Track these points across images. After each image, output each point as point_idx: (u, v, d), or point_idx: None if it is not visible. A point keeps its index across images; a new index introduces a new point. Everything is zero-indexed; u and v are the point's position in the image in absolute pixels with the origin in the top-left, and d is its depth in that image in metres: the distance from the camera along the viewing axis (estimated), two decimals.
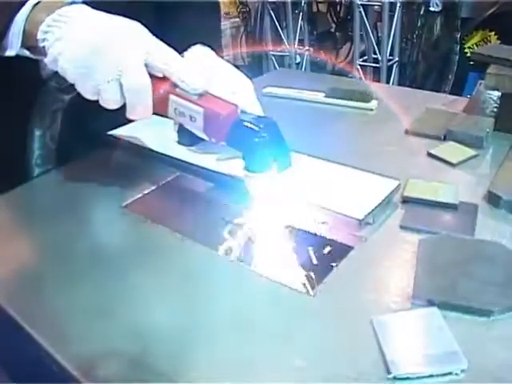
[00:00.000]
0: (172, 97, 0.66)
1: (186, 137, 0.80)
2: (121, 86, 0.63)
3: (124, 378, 0.47)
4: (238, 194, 0.71)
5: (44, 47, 0.64)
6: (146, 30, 0.65)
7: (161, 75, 0.65)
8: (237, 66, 0.78)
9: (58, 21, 0.64)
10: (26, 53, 0.68)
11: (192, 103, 0.65)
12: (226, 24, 3.54)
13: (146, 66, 0.64)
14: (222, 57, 0.82)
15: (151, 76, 0.64)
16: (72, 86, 0.65)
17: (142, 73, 0.64)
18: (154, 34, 0.68)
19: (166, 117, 0.68)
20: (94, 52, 0.62)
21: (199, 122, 0.66)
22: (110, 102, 0.65)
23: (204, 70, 0.68)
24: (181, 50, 0.78)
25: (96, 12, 0.66)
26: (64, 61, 0.63)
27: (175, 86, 0.65)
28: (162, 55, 0.65)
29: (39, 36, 0.64)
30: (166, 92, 0.66)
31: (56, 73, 0.65)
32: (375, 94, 1.04)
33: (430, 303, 0.51)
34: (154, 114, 0.67)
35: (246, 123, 0.66)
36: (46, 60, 0.65)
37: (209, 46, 0.80)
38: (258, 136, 0.64)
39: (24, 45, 0.67)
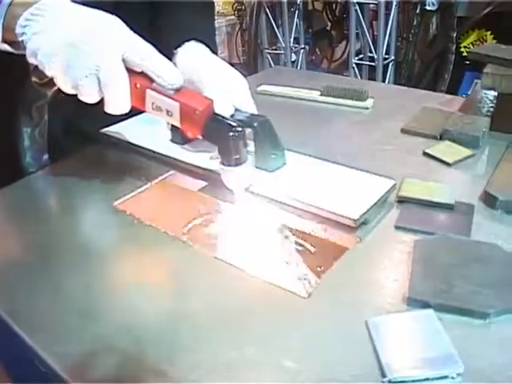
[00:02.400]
0: (149, 91, 0.67)
1: (179, 135, 0.80)
2: (98, 80, 0.63)
3: (114, 378, 0.46)
4: (232, 193, 0.71)
5: (23, 41, 0.64)
6: (124, 26, 0.65)
7: (138, 70, 0.66)
8: (232, 64, 0.78)
9: (36, 15, 0.63)
10: (8, 48, 0.67)
11: (168, 98, 0.67)
12: (221, 22, 3.53)
13: (124, 61, 0.64)
14: (217, 54, 0.82)
15: (129, 71, 0.65)
16: (52, 80, 0.65)
17: (120, 68, 0.64)
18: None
19: (144, 111, 0.69)
20: (71, 46, 0.62)
21: (176, 116, 0.67)
22: (89, 96, 0.65)
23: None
24: (175, 47, 0.78)
25: (75, 6, 0.65)
26: (42, 55, 0.63)
27: (152, 80, 0.66)
28: (139, 50, 0.65)
29: (17, 30, 0.64)
30: (143, 87, 0.67)
31: (36, 67, 0.65)
32: (371, 93, 1.04)
33: (426, 305, 0.50)
34: (133, 108, 0.67)
35: (221, 118, 0.67)
36: (26, 54, 0.64)
37: (203, 43, 0.80)
38: (233, 130, 0.66)
39: (4, 39, 0.67)
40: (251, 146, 0.75)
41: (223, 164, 0.68)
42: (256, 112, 0.74)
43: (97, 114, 0.69)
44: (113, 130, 0.89)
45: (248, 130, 0.72)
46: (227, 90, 0.72)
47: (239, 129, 0.66)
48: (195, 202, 0.72)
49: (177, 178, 0.78)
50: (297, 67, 3.15)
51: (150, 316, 0.53)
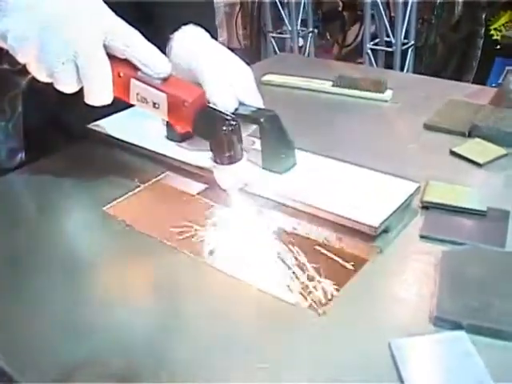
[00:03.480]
0: (133, 81, 0.67)
1: (176, 131, 0.80)
2: (77, 68, 0.63)
3: None
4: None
5: None
6: (105, 7, 0.65)
7: (121, 57, 0.66)
8: (231, 50, 0.77)
9: None
10: None
11: (155, 88, 0.67)
12: (219, 2, 3.53)
13: (105, 46, 0.64)
14: (217, 40, 0.82)
15: (110, 58, 0.65)
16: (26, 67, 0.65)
17: (101, 54, 0.64)
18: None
19: (129, 103, 0.69)
20: (45, 29, 0.61)
21: (163, 108, 0.67)
22: (66, 85, 0.64)
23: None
24: (171, 30, 0.78)
25: None
26: (12, 39, 0.62)
27: (137, 69, 0.66)
28: (122, 35, 0.65)
29: None
30: (126, 76, 0.67)
31: (8, 52, 0.65)
32: (389, 83, 1.04)
33: (456, 326, 0.50)
34: (116, 99, 0.67)
35: (214, 110, 0.67)
36: None
37: (202, 27, 0.79)
38: (227, 124, 0.65)
39: None
40: (257, 145, 0.75)
41: (215, 162, 0.68)
42: (262, 106, 0.73)
43: (82, 105, 0.69)
44: (101, 124, 0.88)
45: (253, 127, 0.73)
46: (230, 80, 0.72)
47: (234, 122, 0.66)
48: (194, 206, 0.72)
49: (173, 179, 0.78)
50: (304, 53, 3.15)
51: (139, 325, 0.54)
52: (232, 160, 0.67)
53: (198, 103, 0.67)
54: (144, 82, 0.66)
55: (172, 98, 0.66)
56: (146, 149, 0.82)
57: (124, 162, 0.82)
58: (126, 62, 0.66)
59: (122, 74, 0.66)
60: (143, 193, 0.76)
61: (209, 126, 0.67)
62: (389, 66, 2.76)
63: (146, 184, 0.77)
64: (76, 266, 0.63)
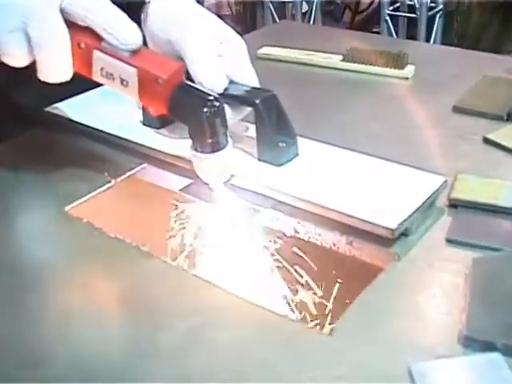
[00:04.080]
0: (96, 53, 0.67)
1: (154, 115, 0.80)
2: (28, 37, 0.63)
3: None
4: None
5: None
6: None
7: (82, 24, 0.66)
8: (220, 17, 0.77)
9: None
10: None
11: (122, 62, 0.66)
12: None
13: (62, 11, 0.64)
14: (203, 5, 0.82)
15: (69, 25, 0.65)
16: None
17: (57, 21, 0.64)
18: None
19: (92, 80, 0.69)
20: None
21: (132, 86, 0.67)
22: (15, 58, 0.65)
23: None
24: None
25: None
26: None
27: (101, 38, 0.66)
28: None
29: None
30: (88, 47, 0.67)
31: None
32: (412, 57, 1.04)
33: (490, 347, 0.50)
34: (77, 75, 0.68)
35: (192, 88, 0.67)
36: None
37: None
38: (209, 105, 0.65)
39: None
40: (252, 131, 0.75)
41: (195, 150, 0.68)
42: (258, 85, 0.74)
43: (37, 83, 0.69)
44: (64, 107, 0.89)
45: (247, 110, 0.73)
46: (219, 54, 0.72)
47: (217, 103, 0.66)
48: (174, 205, 0.73)
49: (150, 173, 0.79)
50: (309, 21, 3.15)
51: (109, 355, 0.53)
52: (215, 148, 0.67)
53: (175, 80, 0.67)
54: (109, 55, 0.66)
55: (143, 73, 0.66)
56: (117, 137, 0.82)
57: (91, 153, 0.82)
58: (88, 31, 0.66)
59: (82, 45, 0.66)
60: (114, 190, 0.76)
61: (187, 107, 0.67)
62: (412, 36, 2.76)
63: (118, 179, 0.77)
64: (29, 278, 0.63)
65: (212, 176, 0.70)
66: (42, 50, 0.64)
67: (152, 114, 0.74)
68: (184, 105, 0.67)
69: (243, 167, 0.73)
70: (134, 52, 0.66)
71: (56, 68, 0.65)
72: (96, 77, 0.68)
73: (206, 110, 0.65)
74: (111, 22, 0.65)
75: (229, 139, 0.68)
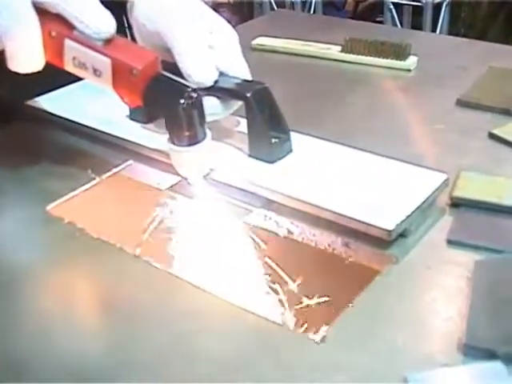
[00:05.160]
0: (68, 42, 0.67)
1: (141, 110, 0.80)
2: None
3: None
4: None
5: None
6: None
7: (53, 11, 0.66)
8: (218, 7, 0.77)
9: None
10: None
11: (95, 51, 0.67)
12: None
13: None
14: None
15: (40, 12, 0.65)
16: None
17: (26, 8, 0.64)
18: None
19: (64, 70, 0.69)
20: None
21: (106, 76, 0.68)
22: None
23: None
24: None
25: None
26: None
27: (73, 27, 0.66)
28: None
29: None
30: (60, 35, 0.67)
31: None
32: (415, 48, 1.04)
33: (491, 355, 0.50)
34: (49, 65, 0.68)
35: (168, 79, 0.68)
36: None
37: None
38: (186, 96, 0.66)
39: None
40: (243, 126, 0.75)
41: (173, 143, 0.68)
42: (250, 77, 0.74)
43: (18, 75, 0.69)
44: (45, 100, 0.89)
45: (238, 104, 0.73)
46: (209, 45, 0.72)
47: (194, 94, 0.66)
48: (163, 204, 0.72)
49: (137, 170, 0.79)
50: (309, 10, 3.15)
51: (91, 367, 0.53)
52: (192, 141, 0.68)
53: (150, 71, 0.67)
54: (82, 44, 0.67)
55: (117, 63, 0.67)
56: (102, 132, 0.83)
57: (74, 149, 0.82)
58: (59, 18, 0.66)
59: (54, 34, 0.67)
60: (99, 188, 0.76)
61: (163, 98, 0.67)
62: (417, 26, 2.76)
63: (103, 176, 0.77)
64: (8, 280, 0.63)
65: (190, 170, 0.71)
66: (10, 39, 0.64)
67: (128, 105, 0.74)
68: (160, 96, 0.67)
69: (233, 164, 0.73)
70: (108, 41, 0.67)
71: (26, 57, 0.66)
72: (68, 67, 0.69)
73: (182, 101, 0.65)
74: (83, 9, 0.65)
75: (207, 132, 0.69)
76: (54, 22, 0.66)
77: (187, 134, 0.67)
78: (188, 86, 0.67)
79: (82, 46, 0.67)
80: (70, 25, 0.66)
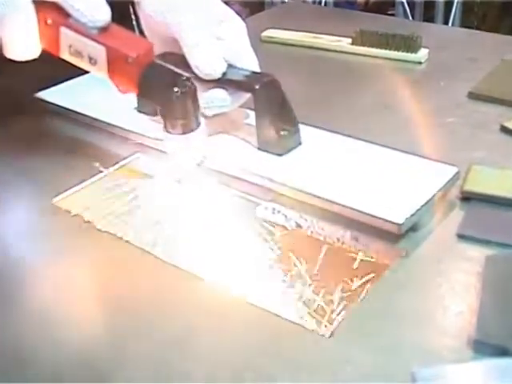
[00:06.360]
0: (64, 30, 0.68)
1: (149, 103, 0.80)
2: None
3: None
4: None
5: None
6: None
7: (50, 0, 0.66)
8: (225, 2, 0.77)
9: None
10: None
11: (91, 39, 0.67)
12: None
13: None
14: None
15: (36, 1, 0.65)
16: None
17: None
18: None
19: (59, 58, 0.70)
20: None
21: (101, 64, 0.68)
22: None
23: None
24: None
25: None
26: None
27: (68, 15, 0.67)
28: None
29: None
30: (55, 23, 0.67)
31: None
32: (426, 40, 1.04)
33: (502, 351, 0.50)
34: (45, 53, 0.68)
35: (163, 67, 0.68)
36: None
37: None
38: (180, 84, 0.66)
39: None
40: (251, 118, 0.74)
41: (167, 131, 0.69)
42: (258, 69, 0.73)
43: (25, 66, 0.69)
44: (53, 93, 0.89)
45: (247, 96, 0.72)
46: (217, 36, 0.72)
47: (188, 83, 0.67)
48: (168, 195, 0.72)
49: (145, 163, 0.79)
50: (320, 3, 3.14)
51: (91, 363, 0.52)
52: (186, 129, 0.68)
53: (145, 59, 0.68)
54: (77, 32, 0.67)
55: (112, 51, 0.67)
56: (110, 124, 0.83)
57: (81, 141, 0.82)
58: (55, 6, 0.67)
59: (49, 21, 0.67)
60: (106, 180, 0.76)
61: (158, 86, 0.68)
62: (429, 18, 2.75)
63: (111, 169, 0.77)
64: (12, 274, 0.62)
65: (184, 158, 0.71)
66: (6, 27, 0.65)
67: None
68: (154, 84, 0.68)
69: (242, 157, 0.73)
70: (103, 29, 0.67)
71: (22, 45, 0.66)
72: (64, 54, 0.69)
73: (176, 89, 0.66)
74: None
75: (201, 120, 0.69)
76: (49, 10, 0.67)
77: (181, 122, 0.68)
78: (182, 75, 0.67)
79: (78, 33, 0.67)
80: (65, 13, 0.67)
